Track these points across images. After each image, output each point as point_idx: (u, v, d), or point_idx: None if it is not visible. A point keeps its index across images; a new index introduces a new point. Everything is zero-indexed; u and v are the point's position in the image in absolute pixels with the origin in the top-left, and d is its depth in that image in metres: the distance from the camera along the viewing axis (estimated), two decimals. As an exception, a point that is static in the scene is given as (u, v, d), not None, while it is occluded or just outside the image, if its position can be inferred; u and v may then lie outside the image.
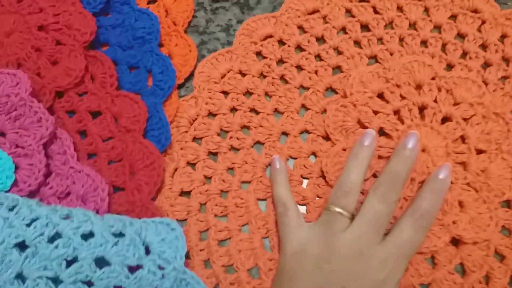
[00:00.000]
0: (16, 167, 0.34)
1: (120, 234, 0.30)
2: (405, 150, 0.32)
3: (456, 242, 0.33)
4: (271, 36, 0.40)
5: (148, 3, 0.42)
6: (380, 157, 0.34)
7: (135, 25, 0.40)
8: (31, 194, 0.34)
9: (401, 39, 0.39)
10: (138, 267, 0.29)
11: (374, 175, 0.34)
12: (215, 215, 0.34)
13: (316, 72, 0.38)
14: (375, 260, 0.29)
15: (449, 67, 0.39)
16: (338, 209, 0.31)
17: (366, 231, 0.30)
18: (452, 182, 0.34)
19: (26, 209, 0.31)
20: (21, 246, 0.30)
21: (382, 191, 0.31)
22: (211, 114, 0.38)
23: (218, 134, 0.37)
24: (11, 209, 0.31)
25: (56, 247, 0.29)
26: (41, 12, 0.39)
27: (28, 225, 0.30)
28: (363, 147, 0.32)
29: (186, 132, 0.37)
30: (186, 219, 0.34)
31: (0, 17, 0.39)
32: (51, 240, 0.29)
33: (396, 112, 0.36)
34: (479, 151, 0.35)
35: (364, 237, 0.30)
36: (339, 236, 0.30)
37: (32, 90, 0.36)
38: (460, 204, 0.33)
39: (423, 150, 0.35)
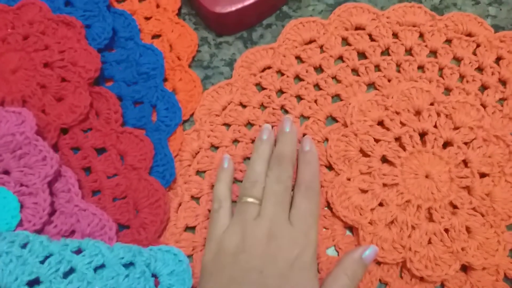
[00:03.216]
0: (21, 206, 0.32)
1: (130, 264, 0.29)
2: (285, 132, 0.33)
3: (465, 268, 0.31)
4: (269, 67, 0.38)
5: (152, 38, 0.40)
6: (385, 185, 0.31)
7: (139, 60, 0.37)
8: (36, 233, 0.31)
9: (398, 65, 0.37)
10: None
11: (381, 204, 0.31)
12: (221, 251, 0.31)
13: (315, 101, 0.36)
14: (285, 238, 0.28)
15: (447, 91, 0.36)
16: (249, 199, 0.30)
17: (273, 212, 0.29)
18: (458, 208, 0.31)
19: (39, 245, 0.30)
20: (32, 282, 0.29)
21: (275, 173, 0.31)
22: (214, 147, 0.35)
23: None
24: (23, 247, 0.29)
25: (71, 282, 0.28)
26: (47, 49, 0.37)
27: (42, 262, 0.29)
28: (262, 141, 0.33)
29: (189, 165, 0.34)
30: (192, 255, 0.31)
31: (5, 55, 0.37)
32: (65, 275, 0.28)
33: (397, 139, 0.33)
34: (482, 175, 0.32)
35: (272, 219, 0.29)
36: (252, 223, 0.29)
37: (37, 127, 0.33)
38: (468, 229, 0.31)
39: (427, 176, 0.32)
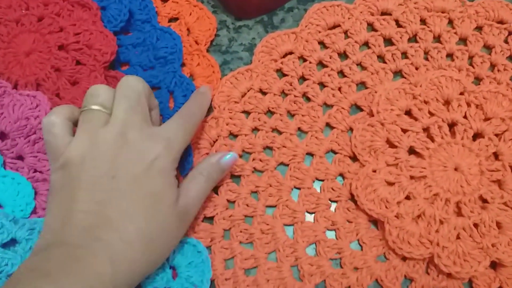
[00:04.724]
0: (35, 193, 0.31)
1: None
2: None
3: (494, 264, 0.29)
4: (291, 53, 0.36)
5: (169, 21, 0.38)
6: (412, 177, 0.30)
7: (156, 44, 0.36)
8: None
9: (426, 53, 0.35)
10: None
11: (408, 197, 0.29)
12: (240, 242, 0.30)
13: (339, 88, 0.34)
14: (141, 143, 0.26)
15: (477, 80, 0.34)
16: (93, 106, 0.27)
17: (125, 116, 0.27)
18: (488, 202, 0.29)
19: None
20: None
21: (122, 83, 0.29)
22: (232, 135, 0.34)
23: (241, 156, 0.33)
24: None
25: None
26: (62, 31, 0.35)
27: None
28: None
29: (207, 154, 0.33)
30: (210, 246, 0.30)
31: (20, 37, 0.36)
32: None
33: (426, 130, 0.32)
34: (514, 168, 0.30)
35: (125, 123, 0.27)
36: (101, 129, 0.26)
37: (52, 112, 0.32)
38: (498, 225, 0.29)
39: (456, 169, 0.30)
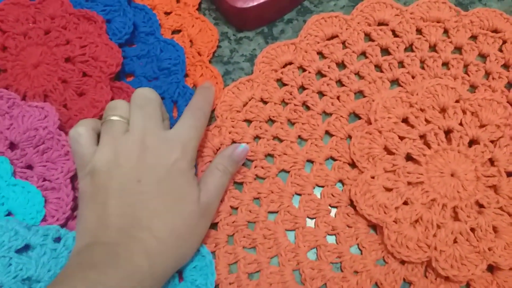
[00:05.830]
0: (44, 201, 0.32)
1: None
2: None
3: (491, 268, 0.30)
4: (291, 63, 0.37)
5: (172, 33, 0.40)
6: (409, 183, 0.31)
7: (160, 56, 0.37)
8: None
9: (422, 62, 0.36)
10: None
11: (405, 202, 0.30)
12: (244, 247, 0.31)
13: (338, 97, 0.35)
14: (160, 147, 0.29)
15: (473, 88, 0.35)
16: (113, 117, 0.30)
17: (143, 124, 0.29)
18: (484, 207, 0.30)
19: (72, 241, 0.30)
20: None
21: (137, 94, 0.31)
22: (235, 143, 0.34)
23: (243, 163, 0.33)
24: (56, 240, 0.30)
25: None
26: (68, 44, 0.37)
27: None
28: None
29: (210, 161, 0.33)
30: (214, 252, 0.31)
31: (27, 49, 0.37)
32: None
33: (422, 137, 0.33)
34: (510, 174, 0.31)
35: (143, 130, 0.29)
36: (122, 138, 0.29)
37: (59, 123, 0.33)
38: (494, 229, 0.30)
39: (452, 175, 0.31)
